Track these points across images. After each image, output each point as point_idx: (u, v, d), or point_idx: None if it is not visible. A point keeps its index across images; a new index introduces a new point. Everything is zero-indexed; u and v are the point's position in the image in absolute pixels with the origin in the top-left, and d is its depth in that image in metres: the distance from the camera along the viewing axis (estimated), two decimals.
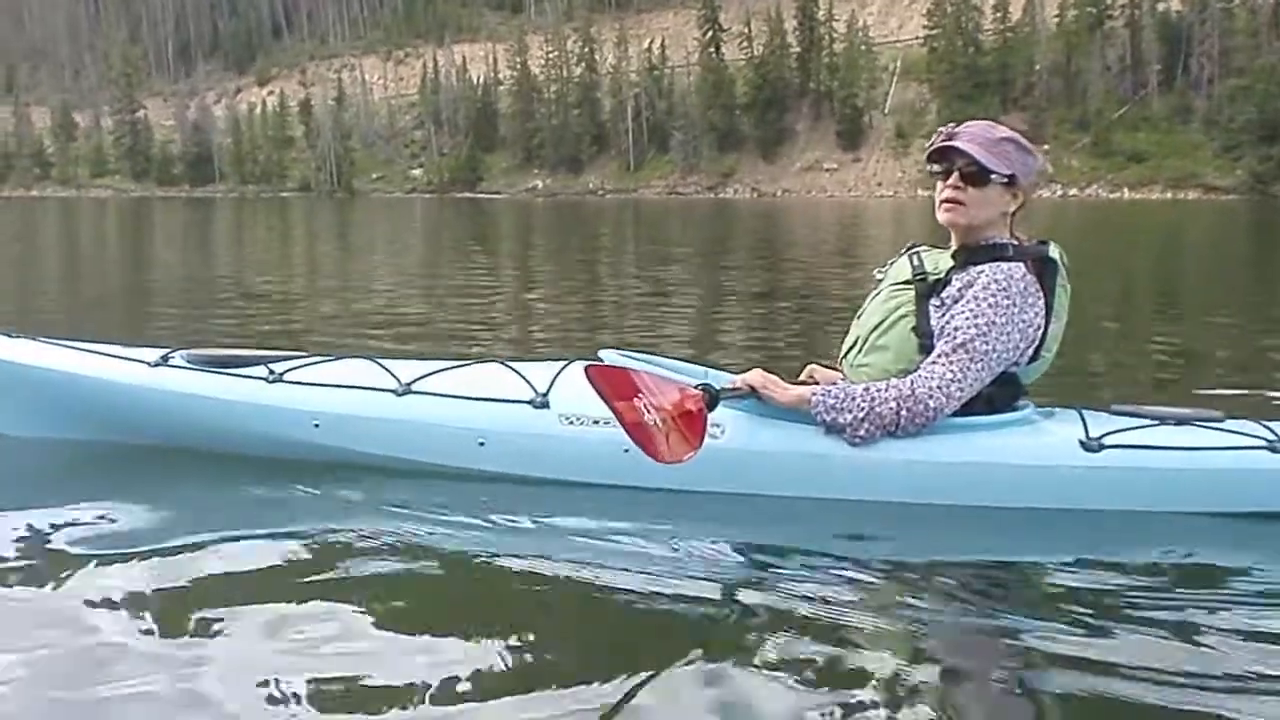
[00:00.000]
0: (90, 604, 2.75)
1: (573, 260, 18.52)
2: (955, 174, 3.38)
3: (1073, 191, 75.39)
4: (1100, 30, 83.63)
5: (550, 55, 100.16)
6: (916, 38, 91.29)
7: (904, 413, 3.30)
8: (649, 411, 3.15)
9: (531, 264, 17.75)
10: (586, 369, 3.28)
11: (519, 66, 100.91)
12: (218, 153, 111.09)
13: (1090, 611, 2.78)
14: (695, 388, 3.29)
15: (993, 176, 3.36)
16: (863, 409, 3.32)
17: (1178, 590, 2.94)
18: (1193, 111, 77.67)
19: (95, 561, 3.02)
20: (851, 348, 3.55)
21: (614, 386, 3.21)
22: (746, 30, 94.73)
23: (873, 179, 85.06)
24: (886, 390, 3.33)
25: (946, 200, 3.41)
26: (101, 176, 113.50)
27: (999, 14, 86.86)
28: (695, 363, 4.01)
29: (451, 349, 7.03)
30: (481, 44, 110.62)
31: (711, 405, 3.28)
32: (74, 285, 13.47)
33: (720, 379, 3.74)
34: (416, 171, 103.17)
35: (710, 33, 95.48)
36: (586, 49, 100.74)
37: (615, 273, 15.84)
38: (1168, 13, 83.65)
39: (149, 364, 3.88)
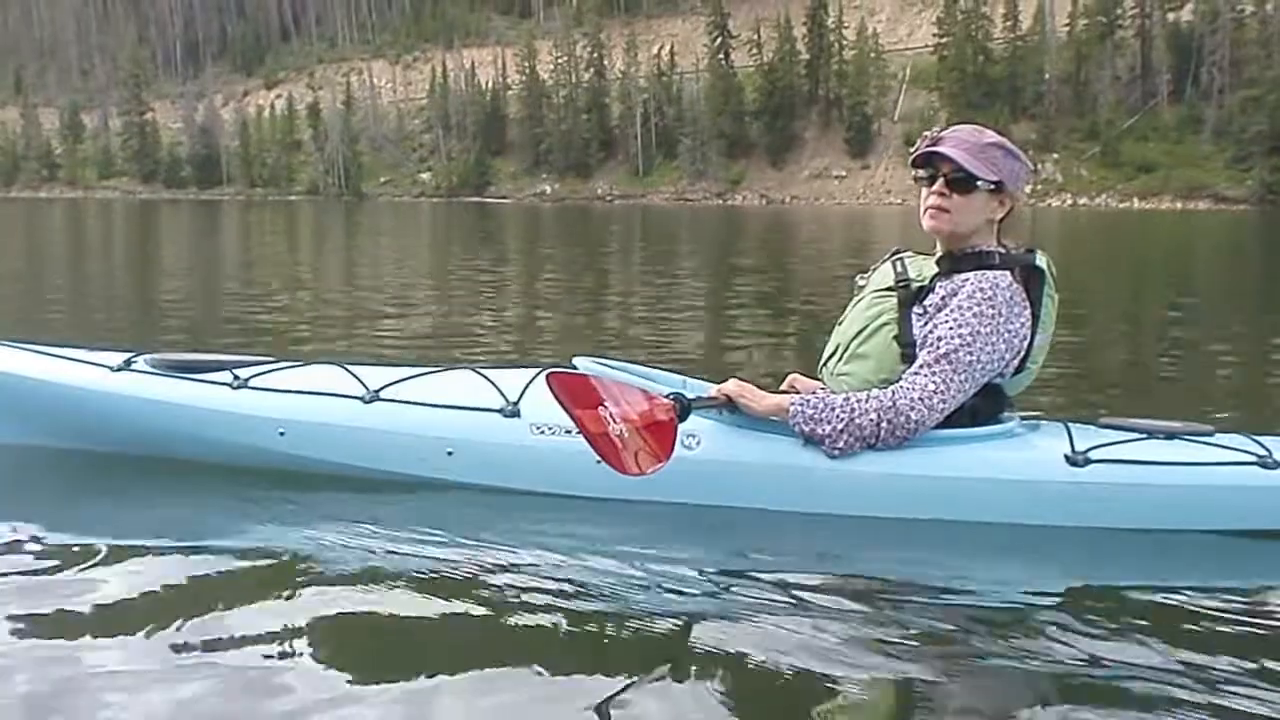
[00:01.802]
0: (44, 612, 2.69)
1: (574, 265, 18.47)
2: (941, 180, 3.28)
3: (1082, 201, 75.18)
4: (1110, 40, 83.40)
5: (559, 60, 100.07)
6: (926, 46, 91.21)
7: (884, 425, 3.21)
8: (614, 421, 3.05)
9: (532, 269, 17.69)
10: (547, 376, 3.20)
11: (528, 71, 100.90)
12: (225, 155, 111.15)
13: (1074, 632, 2.70)
14: (666, 396, 3.19)
15: (979, 183, 3.26)
16: (842, 420, 3.22)
17: (1164, 610, 2.85)
18: (1203, 122, 77.39)
19: (48, 569, 2.95)
20: (831, 356, 3.47)
21: (575, 395, 3.11)
22: (756, 37, 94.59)
23: (881, 186, 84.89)
24: (867, 401, 3.23)
25: (932, 207, 3.31)
26: (109, 178, 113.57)
27: (1009, 23, 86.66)
28: (683, 371, 3.92)
29: (441, 354, 6.97)
30: (490, 49, 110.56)
31: (683, 415, 3.19)
32: (59, 286, 13.40)
33: (697, 388, 3.66)
34: (425, 175, 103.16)
35: (719, 39, 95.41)
36: (595, 54, 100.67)
37: (615, 278, 15.80)
38: (1178, 23, 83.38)
39: (111, 368, 3.80)
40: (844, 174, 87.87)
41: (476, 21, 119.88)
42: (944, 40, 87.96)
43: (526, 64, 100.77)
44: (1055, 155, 78.73)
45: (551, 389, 3.15)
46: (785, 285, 14.35)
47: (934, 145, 3.30)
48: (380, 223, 40.81)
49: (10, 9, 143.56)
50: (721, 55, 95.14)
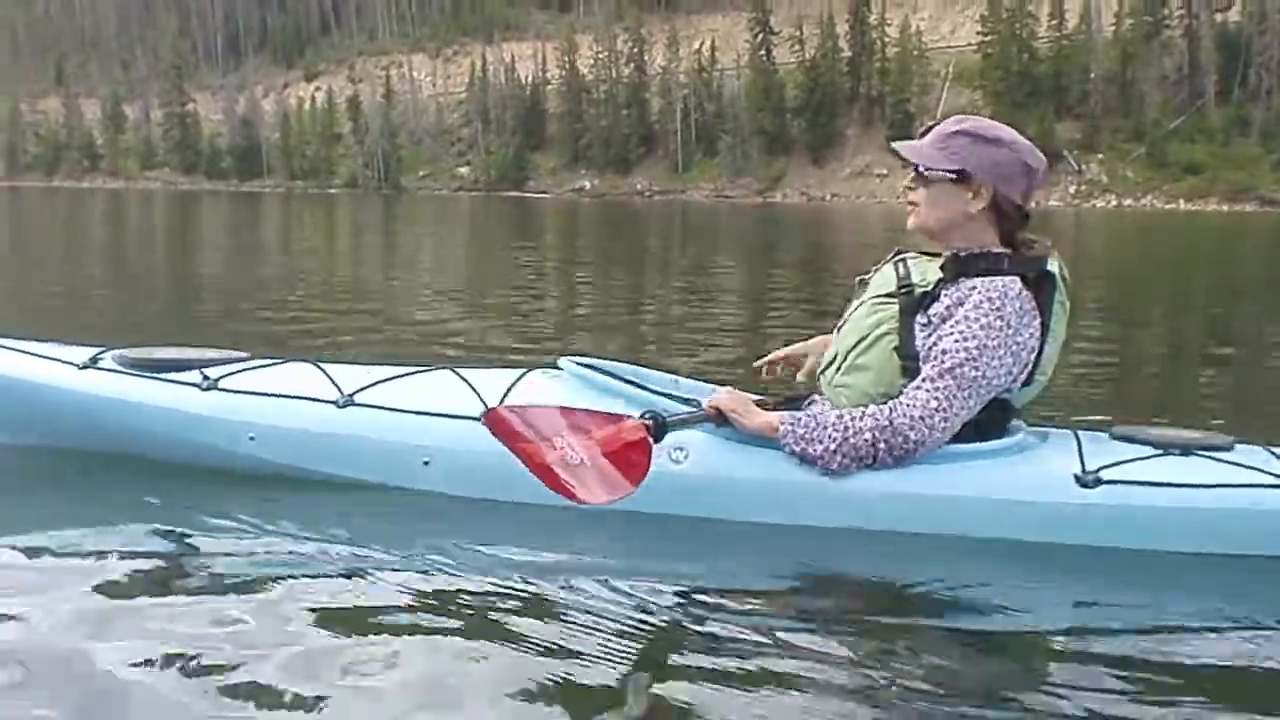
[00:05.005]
0: None
1: (605, 262, 18.40)
2: (912, 174, 3.16)
3: (1127, 202, 74.39)
4: (1157, 40, 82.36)
5: (599, 55, 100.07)
6: (969, 44, 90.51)
7: (881, 445, 3.01)
8: (571, 450, 2.85)
9: (563, 265, 17.60)
10: (483, 417, 3.06)
11: (567, 66, 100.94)
12: (266, 147, 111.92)
13: (1080, 661, 2.55)
14: (641, 416, 3.02)
15: (928, 174, 3.10)
16: (835, 440, 3.03)
17: (1175, 638, 2.69)
18: (1250, 123, 76.42)
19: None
20: (830, 364, 3.26)
21: (513, 433, 2.93)
22: (798, 33, 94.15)
23: None
24: (862, 420, 3.03)
25: (908, 203, 3.17)
26: (151, 169, 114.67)
27: (1054, 21, 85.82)
28: (706, 374, 3.75)
29: (447, 351, 6.82)
30: (530, 43, 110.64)
31: (659, 435, 3.00)
32: (84, 276, 13.41)
33: (690, 388, 3.53)
34: (464, 169, 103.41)
35: (761, 35, 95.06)
36: (635, 49, 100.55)
37: (646, 276, 15.68)
38: (1225, 23, 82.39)
39: (77, 365, 3.65)
40: (885, 172, 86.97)
41: (516, 15, 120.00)
42: (988, 38, 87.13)
43: (566, 59, 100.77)
44: (1100, 156, 78.00)
45: (489, 428, 3.01)
46: (824, 286, 14.14)
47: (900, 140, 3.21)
48: (417, 216, 41.00)
49: (52, 0, 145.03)
50: (763, 52, 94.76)
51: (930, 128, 3.20)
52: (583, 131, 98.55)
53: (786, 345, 3.68)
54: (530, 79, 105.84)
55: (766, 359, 3.67)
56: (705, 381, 3.75)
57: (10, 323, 4.98)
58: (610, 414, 3.05)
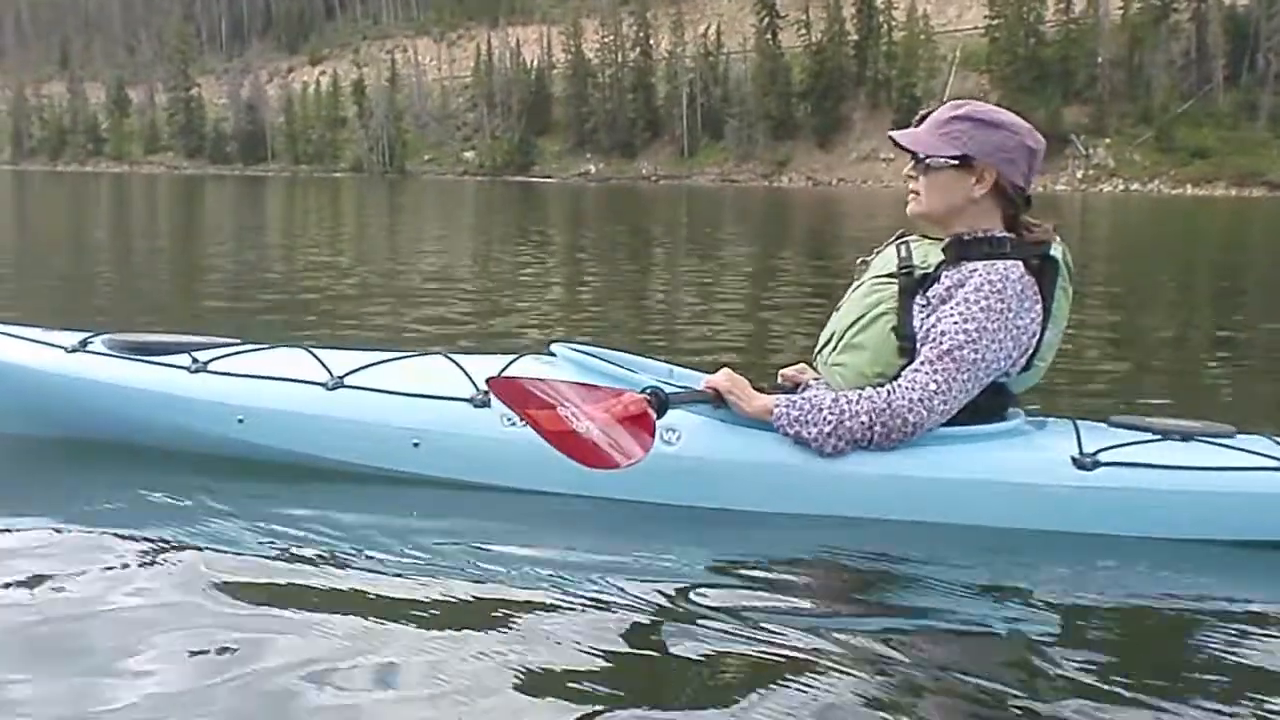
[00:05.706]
0: None
1: (608, 248, 18.36)
2: (911, 162, 3.11)
3: (1134, 186, 74.26)
4: (1165, 23, 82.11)
5: (605, 39, 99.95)
6: (976, 27, 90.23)
7: (878, 428, 2.98)
8: (577, 419, 2.81)
9: (565, 251, 17.55)
10: (488, 381, 3.00)
11: (573, 50, 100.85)
12: (270, 131, 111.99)
13: (1076, 646, 2.50)
14: (641, 392, 2.98)
15: (928, 161, 3.05)
16: (830, 423, 2.99)
17: (1173, 625, 2.66)
18: (1258, 108, 76.22)
19: None
20: (826, 344, 3.22)
21: (523, 399, 2.89)
22: (804, 17, 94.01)
23: None
24: (858, 402, 2.99)
25: (909, 192, 3.13)
26: (155, 153, 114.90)
27: (1062, 5, 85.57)
28: (690, 359, 3.70)
29: (440, 336, 6.78)
30: (535, 26, 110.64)
31: (660, 410, 2.96)
32: (80, 262, 13.39)
33: (685, 377, 3.48)
34: (469, 154, 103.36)
35: (767, 19, 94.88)
36: (642, 33, 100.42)
37: (646, 261, 15.63)
38: (1234, 7, 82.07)
39: (66, 349, 3.63)
40: (892, 157, 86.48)
41: None
42: (995, 21, 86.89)
43: (572, 43, 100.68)
44: (1108, 140, 77.84)
45: (495, 394, 2.97)
46: (827, 269, 14.11)
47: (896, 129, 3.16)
48: (421, 201, 41.00)
49: None
50: (769, 35, 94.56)
51: (925, 115, 3.16)
52: (588, 116, 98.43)
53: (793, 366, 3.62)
54: (535, 63, 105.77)
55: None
56: (703, 371, 3.70)
57: (9, 306, 4.93)
58: (612, 389, 3.01)
